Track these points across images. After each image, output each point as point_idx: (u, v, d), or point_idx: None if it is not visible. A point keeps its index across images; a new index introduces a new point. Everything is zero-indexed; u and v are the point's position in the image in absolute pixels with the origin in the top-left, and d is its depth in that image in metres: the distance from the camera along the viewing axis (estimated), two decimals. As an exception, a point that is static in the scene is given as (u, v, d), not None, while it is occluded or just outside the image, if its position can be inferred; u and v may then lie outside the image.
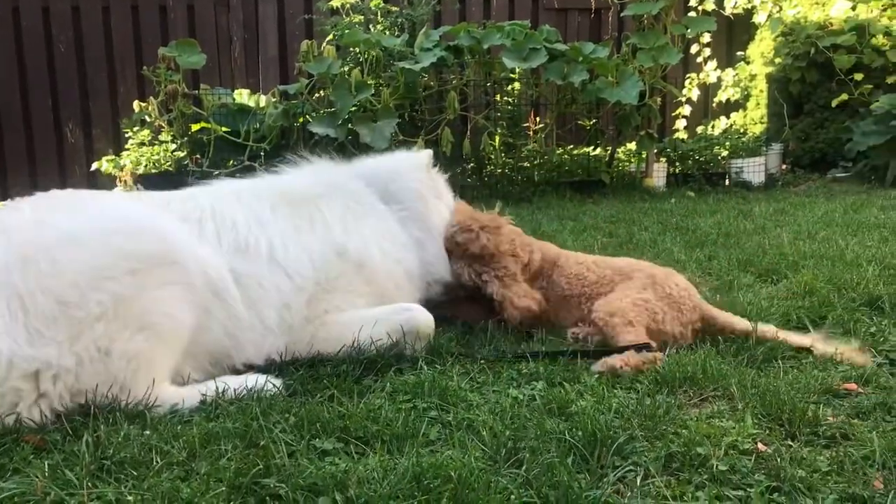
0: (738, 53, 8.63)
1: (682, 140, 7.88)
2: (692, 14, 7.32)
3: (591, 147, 7.57)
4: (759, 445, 1.77)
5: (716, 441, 1.77)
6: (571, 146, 7.62)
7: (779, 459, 1.68)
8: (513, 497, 1.50)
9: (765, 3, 8.25)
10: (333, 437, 1.80)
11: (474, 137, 6.98)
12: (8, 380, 1.83)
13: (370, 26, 6.89)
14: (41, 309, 1.87)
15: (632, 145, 7.47)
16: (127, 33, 7.59)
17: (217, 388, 2.06)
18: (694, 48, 8.18)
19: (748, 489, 1.59)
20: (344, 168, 2.87)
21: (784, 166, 7.82)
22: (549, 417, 1.91)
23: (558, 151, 7.37)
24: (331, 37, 6.56)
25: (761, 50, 8.18)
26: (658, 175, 7.24)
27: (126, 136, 6.80)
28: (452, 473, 1.55)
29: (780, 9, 8.18)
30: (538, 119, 7.47)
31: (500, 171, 7.07)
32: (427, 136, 6.44)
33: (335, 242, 2.49)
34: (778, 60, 7.83)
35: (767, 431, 1.86)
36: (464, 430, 1.84)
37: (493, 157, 7.09)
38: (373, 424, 1.84)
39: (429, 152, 2.97)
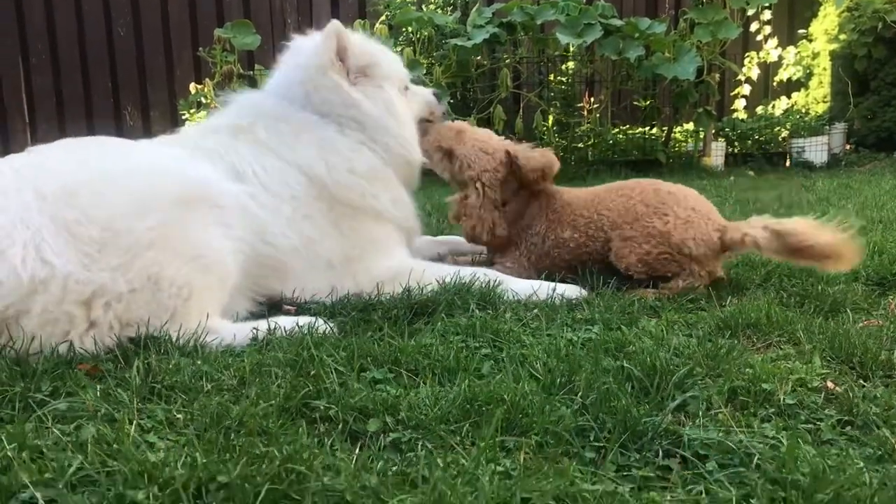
0: (800, 31, 8.36)
1: (742, 120, 7.68)
2: (752, -11, 7.09)
3: (647, 126, 7.43)
4: (829, 384, 1.68)
5: (783, 378, 1.68)
6: (627, 125, 7.48)
7: (851, 396, 1.59)
8: (567, 421, 1.44)
9: (829, -21, 7.99)
10: (384, 368, 1.76)
11: (527, 116, 6.91)
12: (63, 302, 1.82)
13: (422, 5, 6.87)
14: (90, 235, 1.88)
15: (689, 125, 7.31)
16: (183, 16, 7.72)
17: (269, 325, 2.04)
18: (754, 26, 7.95)
19: (818, 423, 1.50)
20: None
21: (848, 146, 7.55)
22: (605, 356, 1.84)
23: (613, 131, 7.25)
24: (383, 16, 6.56)
25: (825, 27, 7.92)
26: (716, 154, 7.07)
27: (183, 117, 6.90)
28: (505, 396, 1.50)
29: (845, -17, 7.90)
30: (592, 98, 7.35)
31: (553, 150, 6.98)
32: (479, 115, 6.39)
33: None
34: (843, 37, 7.56)
35: (837, 372, 1.76)
36: (517, 364, 1.79)
37: (545, 136, 7.01)
38: (424, 359, 1.80)
39: (333, 26, 2.54)
